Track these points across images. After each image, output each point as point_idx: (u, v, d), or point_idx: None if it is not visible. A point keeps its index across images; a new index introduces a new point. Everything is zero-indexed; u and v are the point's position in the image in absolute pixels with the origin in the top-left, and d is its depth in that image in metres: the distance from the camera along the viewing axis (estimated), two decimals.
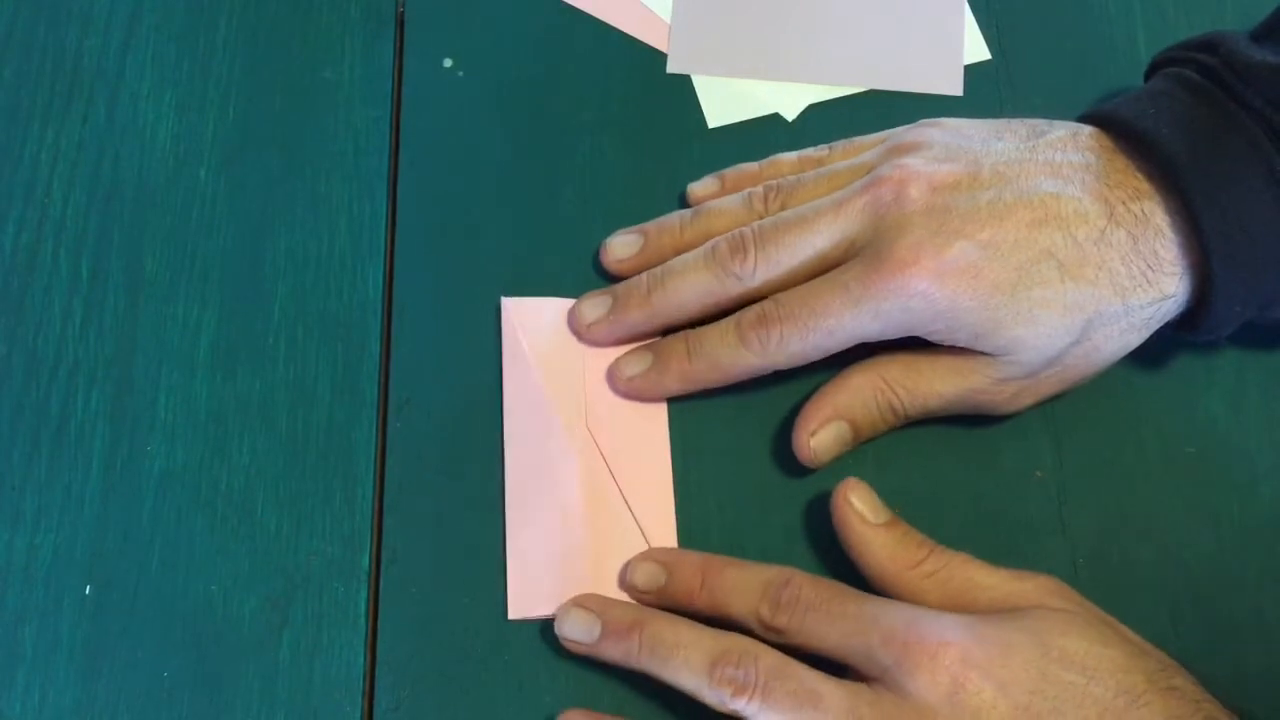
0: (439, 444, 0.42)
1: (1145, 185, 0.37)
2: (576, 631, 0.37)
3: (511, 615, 0.39)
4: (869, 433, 0.40)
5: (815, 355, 0.39)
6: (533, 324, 0.43)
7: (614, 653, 0.37)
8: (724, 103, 0.47)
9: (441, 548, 0.41)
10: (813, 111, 0.47)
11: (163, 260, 0.45)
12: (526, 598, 0.40)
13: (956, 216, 0.37)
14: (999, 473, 0.41)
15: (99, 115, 0.47)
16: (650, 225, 0.43)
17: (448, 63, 0.48)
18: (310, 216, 0.45)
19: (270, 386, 0.43)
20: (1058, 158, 0.38)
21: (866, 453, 0.42)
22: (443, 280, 0.44)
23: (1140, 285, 0.37)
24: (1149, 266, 0.37)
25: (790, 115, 0.47)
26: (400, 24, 0.48)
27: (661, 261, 0.42)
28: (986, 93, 0.47)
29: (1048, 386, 0.39)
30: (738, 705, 0.34)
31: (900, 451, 0.42)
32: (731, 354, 0.39)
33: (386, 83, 0.47)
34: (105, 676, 0.39)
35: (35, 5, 0.48)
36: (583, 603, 0.38)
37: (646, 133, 0.47)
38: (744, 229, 0.40)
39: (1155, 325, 0.38)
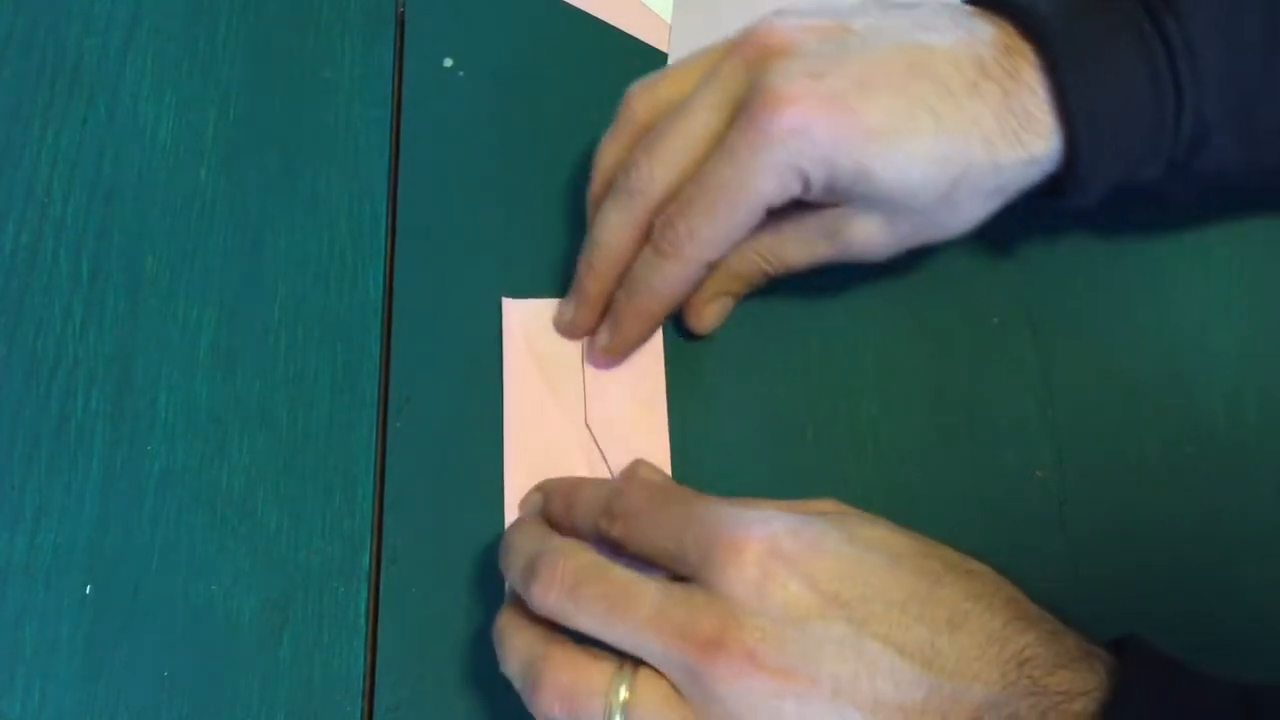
0: (439, 444, 0.42)
1: (1015, 41, 0.37)
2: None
3: None
4: (742, 296, 0.43)
5: (732, 235, 0.38)
6: (533, 325, 0.43)
7: (500, 564, 0.37)
8: None
9: (441, 548, 0.41)
10: None
11: (163, 260, 0.45)
12: None
13: (827, 58, 0.36)
14: (999, 473, 0.41)
15: (99, 115, 0.47)
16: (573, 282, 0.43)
17: (448, 62, 0.48)
18: (310, 216, 0.45)
19: (270, 386, 0.43)
20: (929, 18, 0.38)
21: (866, 452, 0.42)
22: (443, 280, 0.44)
23: (1011, 144, 0.36)
24: (1020, 125, 0.36)
25: None
26: (400, 24, 0.49)
27: (599, 300, 0.42)
28: None
29: (905, 240, 0.39)
30: (547, 606, 0.33)
31: (900, 451, 0.42)
32: (656, 271, 0.39)
33: (386, 83, 0.47)
34: (105, 676, 0.39)
35: (35, 5, 0.49)
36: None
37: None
38: (634, 152, 0.39)
39: (1016, 191, 0.38)
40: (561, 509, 0.37)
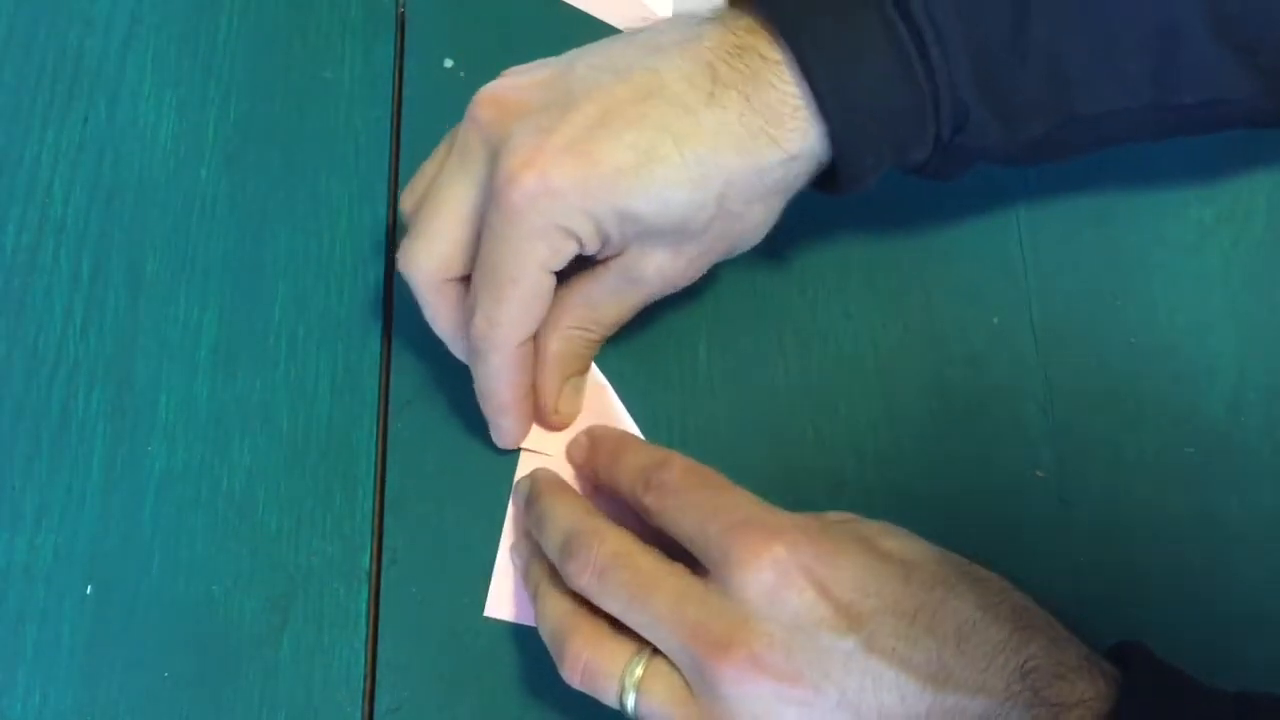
0: (440, 445, 0.42)
1: (746, 39, 0.36)
2: (520, 498, 0.40)
3: (487, 612, 0.40)
4: (586, 367, 0.41)
5: (532, 309, 0.37)
6: None
7: (528, 521, 0.39)
8: None
9: (442, 548, 0.41)
10: None
11: (163, 260, 0.45)
12: (505, 599, 0.40)
13: (554, 111, 0.35)
14: (999, 473, 0.41)
15: (99, 115, 0.47)
16: None
17: (448, 63, 0.48)
18: (311, 217, 0.45)
19: (271, 387, 0.43)
20: (657, 38, 0.37)
21: (866, 454, 0.42)
22: None
23: (765, 145, 0.35)
24: (767, 123, 0.35)
25: None
26: (401, 24, 0.48)
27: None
28: None
29: (703, 260, 0.38)
30: (580, 585, 0.34)
31: (900, 452, 0.42)
32: (483, 369, 0.38)
33: (387, 83, 0.47)
34: (106, 677, 0.39)
35: (35, 5, 0.48)
36: (533, 471, 0.40)
37: None
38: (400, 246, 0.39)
39: (796, 187, 0.37)
40: (606, 462, 0.38)
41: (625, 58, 0.36)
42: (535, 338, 0.39)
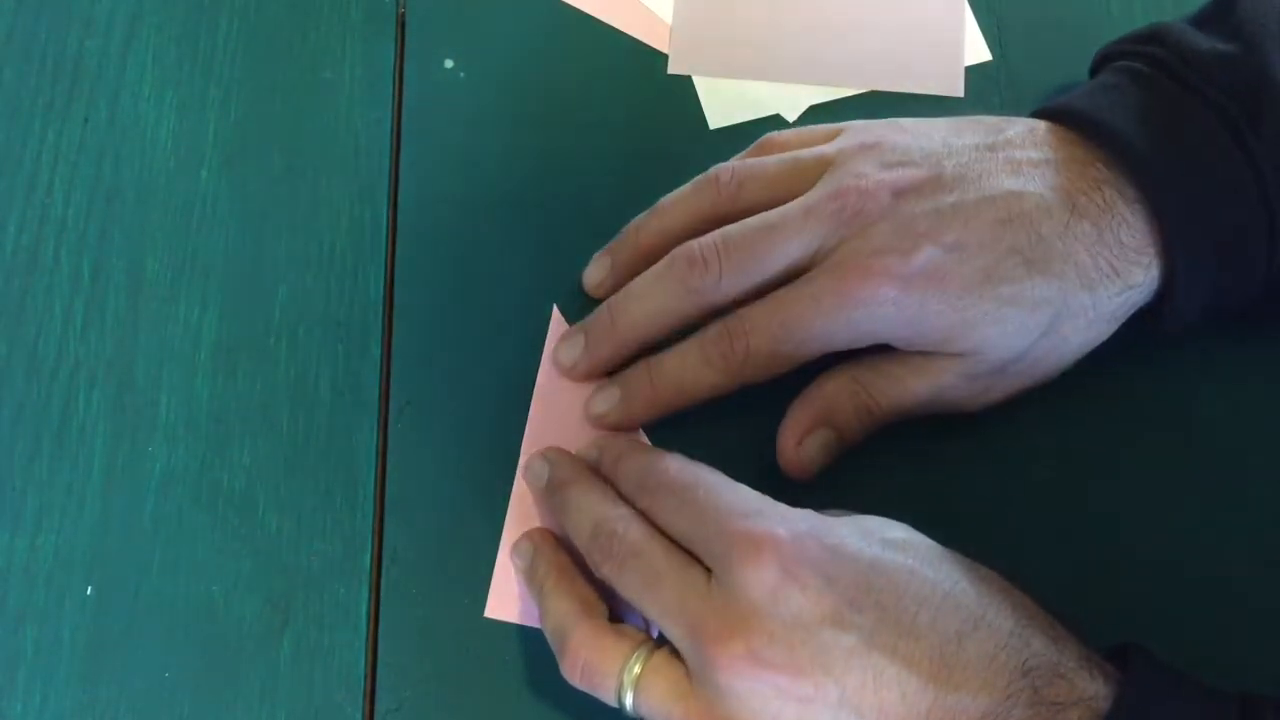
0: (440, 445, 0.42)
1: (1106, 173, 0.37)
2: (532, 478, 0.40)
3: (487, 613, 0.40)
4: (850, 437, 0.40)
5: (783, 369, 0.38)
6: None
7: (549, 506, 0.39)
8: (725, 103, 0.47)
9: (442, 548, 0.41)
10: (814, 112, 0.47)
11: (163, 260, 0.45)
12: (506, 600, 0.40)
13: (922, 222, 0.37)
14: (999, 473, 0.41)
15: (100, 115, 0.47)
16: (615, 240, 0.43)
17: (449, 63, 0.48)
18: (311, 217, 0.45)
19: (271, 387, 0.43)
20: (1017, 155, 0.38)
21: (864, 453, 0.42)
22: (444, 281, 0.44)
23: (1107, 276, 0.37)
24: (1115, 256, 0.37)
25: (791, 116, 0.47)
26: (401, 25, 0.49)
27: (630, 274, 0.41)
28: (986, 93, 0.47)
29: (1016, 381, 0.39)
30: (603, 573, 0.35)
31: (900, 452, 0.42)
32: (695, 375, 0.39)
33: (387, 84, 0.47)
34: (106, 677, 0.39)
35: (35, 6, 0.49)
36: (545, 453, 0.40)
37: (646, 133, 0.47)
38: (705, 241, 0.39)
39: (1123, 316, 0.38)
40: (609, 469, 0.39)
41: (990, 173, 0.37)
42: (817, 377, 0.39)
